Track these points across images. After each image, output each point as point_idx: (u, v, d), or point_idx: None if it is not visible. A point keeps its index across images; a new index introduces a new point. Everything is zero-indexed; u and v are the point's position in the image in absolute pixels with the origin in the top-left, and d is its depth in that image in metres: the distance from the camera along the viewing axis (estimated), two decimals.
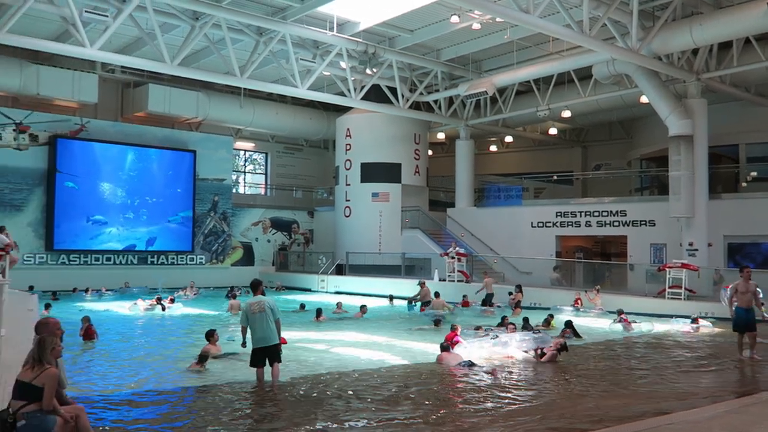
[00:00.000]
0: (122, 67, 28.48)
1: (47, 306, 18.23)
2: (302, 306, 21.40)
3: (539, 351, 12.32)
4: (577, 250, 28.23)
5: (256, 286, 10.14)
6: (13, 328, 10.42)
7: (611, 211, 26.04)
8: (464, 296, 22.28)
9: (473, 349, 12.72)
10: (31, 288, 21.66)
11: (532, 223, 28.03)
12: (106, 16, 19.33)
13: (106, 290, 25.72)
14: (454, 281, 24.74)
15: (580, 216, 26.78)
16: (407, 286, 25.45)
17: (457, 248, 25.72)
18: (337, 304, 20.81)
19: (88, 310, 19.12)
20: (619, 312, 18.11)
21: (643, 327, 17.15)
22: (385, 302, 24.06)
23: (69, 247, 27.45)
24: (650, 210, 25.08)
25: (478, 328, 15.60)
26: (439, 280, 24.89)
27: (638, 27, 19.79)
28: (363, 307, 19.98)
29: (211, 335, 12.48)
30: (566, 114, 28.59)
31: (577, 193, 33.03)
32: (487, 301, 21.99)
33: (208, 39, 22.53)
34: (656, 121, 24.46)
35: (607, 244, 28.86)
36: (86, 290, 25.26)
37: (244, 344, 10.03)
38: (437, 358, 12.04)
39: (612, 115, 31.40)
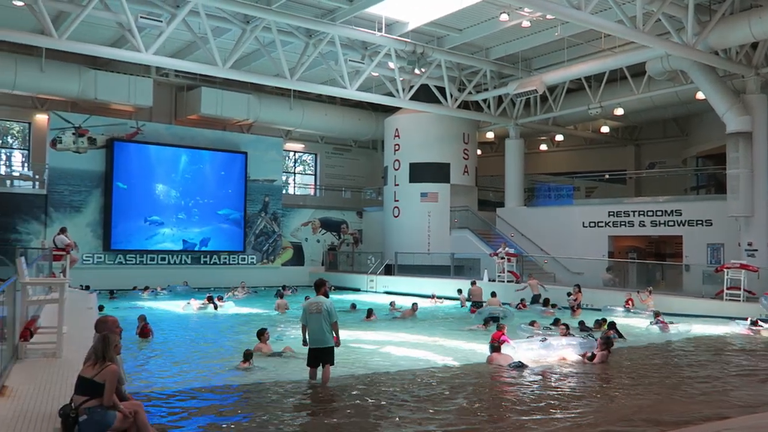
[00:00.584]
0: (176, 71, 29.14)
1: (100, 308, 18.75)
2: (353, 306, 21.52)
3: (588, 354, 12.15)
4: (631, 251, 27.66)
5: (319, 286, 10.16)
6: (74, 326, 10.78)
7: (666, 211, 25.44)
8: (522, 299, 22.07)
9: (522, 350, 12.59)
10: (86, 287, 22.27)
11: (583, 222, 27.59)
12: (161, 21, 19.81)
13: (162, 289, 26.35)
14: (503, 282, 24.52)
15: (634, 216, 26.23)
16: (456, 287, 25.37)
17: (507, 248, 25.50)
18: (391, 303, 20.82)
19: (143, 309, 19.60)
20: (656, 314, 18.00)
21: (680, 328, 16.87)
22: (436, 302, 24.02)
23: (125, 247, 28.20)
24: (707, 209, 24.41)
25: (532, 323, 15.48)
26: (489, 280, 24.71)
27: (694, 21, 19.26)
28: (414, 305, 20.02)
29: (261, 334, 12.68)
30: (619, 111, 28.05)
31: (630, 193, 32.38)
32: (534, 301, 21.81)
33: (258, 42, 22.85)
34: (713, 118, 23.80)
35: (662, 245, 28.19)
36: (144, 289, 25.88)
37: (305, 342, 9.97)
38: (487, 358, 11.97)
39: (666, 112, 30.67)
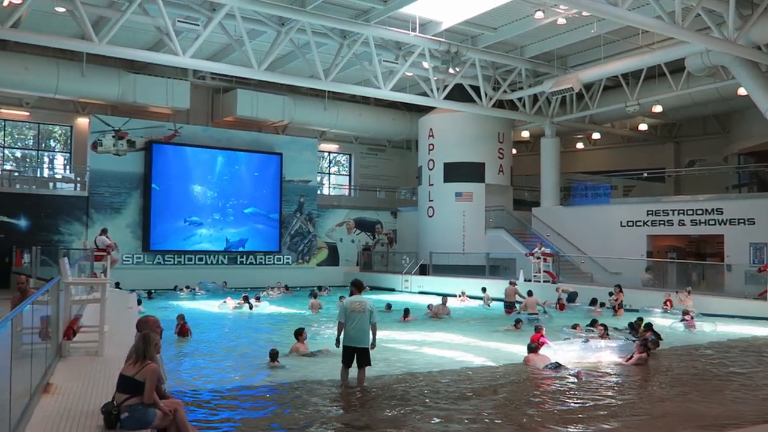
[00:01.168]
0: (212, 73, 29.52)
1: (138, 302, 19.05)
2: (388, 306, 21.54)
3: (627, 355, 12.00)
4: (670, 250, 27.18)
5: (359, 286, 10.20)
6: (115, 325, 11.00)
7: (706, 209, 24.93)
8: (559, 299, 21.85)
9: (562, 352, 12.47)
10: (117, 285, 22.48)
11: (621, 222, 27.20)
12: (197, 24, 20.12)
13: (199, 289, 26.68)
14: (540, 282, 24.30)
15: (673, 214, 25.76)
16: (492, 287, 25.23)
17: (543, 248, 25.27)
18: (428, 306, 20.75)
19: (180, 309, 19.88)
20: (685, 312, 17.90)
21: (705, 328, 16.62)
22: (464, 301, 23.93)
23: (164, 247, 28.67)
24: (749, 207, 23.85)
25: (575, 326, 15.34)
26: (525, 280, 24.52)
27: (735, 15, 18.84)
28: (444, 298, 20.05)
29: (299, 334, 12.76)
30: (657, 109, 27.59)
31: (669, 191, 31.82)
32: (572, 299, 21.60)
33: (293, 44, 23.02)
34: (755, 114, 23.26)
35: (703, 244, 27.64)
36: (183, 288, 26.24)
37: (338, 343, 9.93)
38: (524, 359, 11.89)
39: (706, 109, 30.05)
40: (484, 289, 23.79)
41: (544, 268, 24.73)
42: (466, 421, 8.00)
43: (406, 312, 18.90)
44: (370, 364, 9.91)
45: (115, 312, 12.56)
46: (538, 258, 24.70)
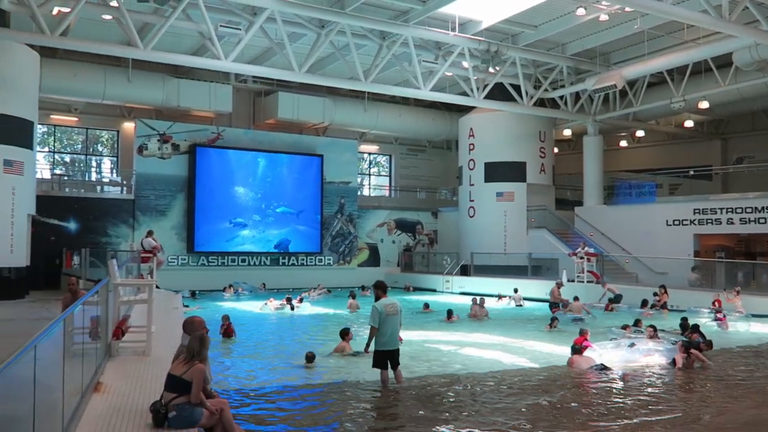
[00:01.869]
0: (254, 77, 29.90)
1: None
2: (426, 306, 21.51)
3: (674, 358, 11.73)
4: (718, 250, 26.51)
5: (384, 288, 10.11)
6: (161, 325, 11.20)
7: (756, 208, 24.24)
8: (609, 299, 21.51)
9: (607, 354, 12.26)
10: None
11: (667, 221, 26.64)
12: (239, 29, 20.39)
13: (242, 290, 26.99)
14: (583, 282, 23.96)
15: (721, 213, 25.13)
16: (534, 287, 25.00)
17: (586, 248, 24.91)
18: (472, 307, 20.61)
19: (225, 309, 20.16)
20: (717, 311, 17.74)
21: (739, 327, 16.27)
22: (501, 302, 23.75)
23: (207, 249, 29.11)
24: None
25: (624, 327, 15.11)
26: (568, 280, 24.15)
27: None
28: (482, 300, 19.88)
29: (345, 334, 12.76)
30: (704, 105, 26.96)
31: (716, 189, 31.06)
32: (616, 301, 21.27)
33: (333, 46, 23.14)
34: None
35: (753, 243, 26.89)
36: (227, 288, 26.56)
37: (367, 349, 9.85)
38: (568, 360, 11.72)
39: (755, 104, 29.26)
40: (515, 290, 23.83)
41: (588, 268, 24.37)
42: (511, 423, 7.93)
43: (450, 313, 18.83)
44: (399, 363, 9.90)
45: (161, 312, 12.79)
46: (582, 258, 24.36)
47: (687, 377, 10.85)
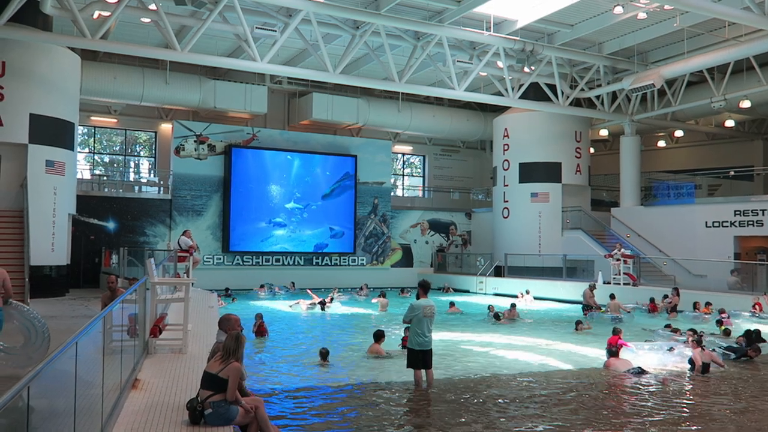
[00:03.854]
0: (288, 78, 30.12)
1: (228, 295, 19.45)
2: (452, 305, 21.47)
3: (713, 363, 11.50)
4: (760, 251, 25.89)
5: (427, 288, 10.12)
6: (197, 324, 11.35)
7: None
8: (651, 299, 21.15)
9: (642, 355, 12.07)
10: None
11: (706, 222, 26.11)
12: (275, 30, 20.56)
13: (279, 289, 27.09)
14: (619, 284, 23.62)
15: (763, 215, 24.53)
16: (569, 289, 24.74)
17: (623, 249, 24.55)
18: (512, 305, 20.43)
19: (258, 308, 20.33)
20: (720, 311, 17.73)
21: None
22: (548, 305, 23.56)
23: (242, 248, 29.40)
24: None
25: (668, 326, 14.93)
26: (604, 282, 23.88)
27: None
28: (513, 307, 19.73)
29: (380, 336, 12.69)
30: (745, 104, 26.35)
31: (758, 190, 30.33)
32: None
33: (367, 46, 23.20)
34: None
35: None
36: (260, 287, 26.73)
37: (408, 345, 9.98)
38: (605, 363, 11.57)
39: None
40: (527, 292, 24.06)
41: (624, 270, 24.02)
42: (548, 426, 7.85)
43: (497, 316, 18.64)
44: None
45: (197, 311, 12.95)
46: (618, 260, 24.02)
47: (729, 384, 10.59)
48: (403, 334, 12.88)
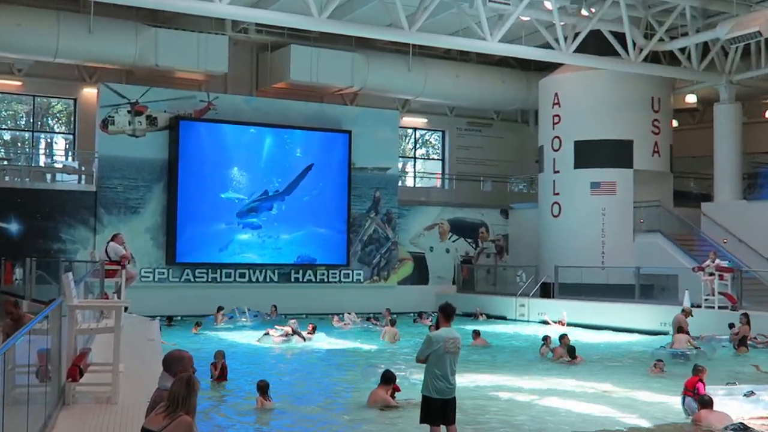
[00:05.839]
0: (257, 25, 30.09)
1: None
2: (476, 334, 21.53)
3: None
4: None
5: (450, 314, 10.00)
6: (132, 363, 11.33)
7: None
8: (730, 325, 21.17)
9: (730, 404, 12.08)
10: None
11: None
12: None
13: (246, 319, 26.62)
14: (713, 308, 23.57)
15: None
16: (643, 314, 24.72)
17: (717, 260, 24.49)
18: (561, 336, 20.41)
19: (210, 341, 20.29)
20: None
21: None
22: (616, 337, 23.52)
23: (194, 259, 29.38)
24: None
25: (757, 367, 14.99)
26: (693, 305, 23.79)
27: None
28: (564, 338, 19.70)
29: (389, 381, 12.61)
30: None
31: None
32: None
33: None
34: None
35: None
36: (217, 311, 26.58)
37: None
38: (693, 417, 11.58)
39: None
40: (545, 322, 24.46)
41: (720, 289, 23.96)
42: None
43: (572, 351, 18.55)
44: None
45: (132, 346, 12.94)
46: (711, 274, 23.96)
47: None
48: (411, 377, 12.85)
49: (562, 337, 19.53)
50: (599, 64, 26.92)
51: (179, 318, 26.17)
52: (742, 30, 24.17)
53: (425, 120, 37.04)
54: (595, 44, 26.73)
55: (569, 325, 25.48)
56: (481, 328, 23.44)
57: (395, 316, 25.80)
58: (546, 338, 19.85)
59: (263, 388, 12.16)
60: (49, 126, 31.53)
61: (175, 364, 7.04)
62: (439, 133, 37.88)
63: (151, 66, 28.71)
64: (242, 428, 11.27)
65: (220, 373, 14.97)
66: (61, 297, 9.63)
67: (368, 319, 26.88)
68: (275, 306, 27.92)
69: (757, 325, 21.06)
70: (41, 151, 31.47)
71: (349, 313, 27.23)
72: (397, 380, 12.82)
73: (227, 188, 29.91)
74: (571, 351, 18.32)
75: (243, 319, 26.74)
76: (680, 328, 20.28)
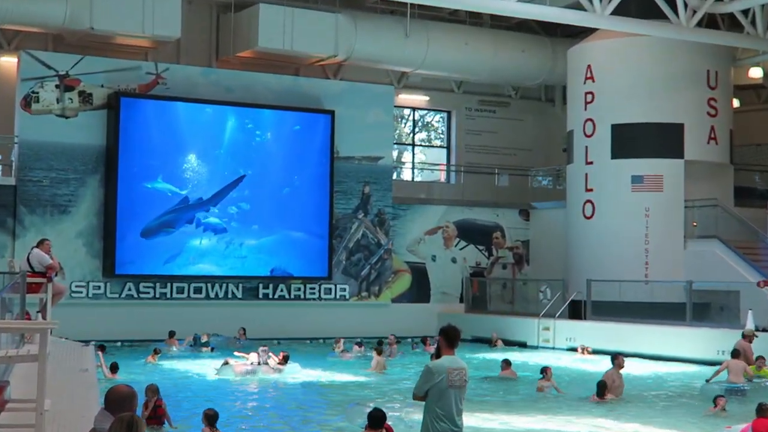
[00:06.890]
0: None
1: (113, 367, 19.61)
2: (506, 364, 21.51)
3: None
4: None
5: (454, 338, 9.94)
6: (61, 399, 11.31)
7: None
8: None
9: None
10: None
11: None
12: None
13: (207, 347, 26.55)
14: None
15: None
16: (696, 340, 24.77)
17: None
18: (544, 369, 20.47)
19: (154, 374, 20.27)
20: None
21: None
22: (667, 368, 23.66)
23: (137, 271, 29.32)
24: None
25: None
26: (756, 329, 23.90)
27: None
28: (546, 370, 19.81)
29: (379, 421, 12.60)
30: None
31: None
32: None
33: None
34: None
35: None
36: (169, 337, 26.53)
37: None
38: None
39: None
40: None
41: None
42: None
43: (602, 387, 18.51)
44: None
45: (62, 377, 12.92)
46: None
47: None
48: (407, 417, 12.84)
49: (544, 370, 19.74)
50: (642, 29, 27.00)
51: (119, 344, 26.06)
52: None
53: (426, 98, 37.07)
54: (638, 5, 26.88)
55: (594, 352, 25.53)
56: (496, 356, 23.51)
57: (385, 339, 25.88)
58: (545, 370, 19.82)
59: (211, 418, 12.09)
60: None
61: (118, 403, 7.04)
62: (444, 115, 37.93)
63: (85, 30, 28.56)
64: None
65: (152, 414, 14.88)
66: None
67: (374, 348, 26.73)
68: (244, 329, 27.93)
69: None
70: None
71: (360, 345, 26.98)
72: (390, 421, 12.81)
73: (181, 179, 29.85)
74: (601, 387, 18.30)
75: (204, 349, 26.59)
76: (736, 352, 20.29)
